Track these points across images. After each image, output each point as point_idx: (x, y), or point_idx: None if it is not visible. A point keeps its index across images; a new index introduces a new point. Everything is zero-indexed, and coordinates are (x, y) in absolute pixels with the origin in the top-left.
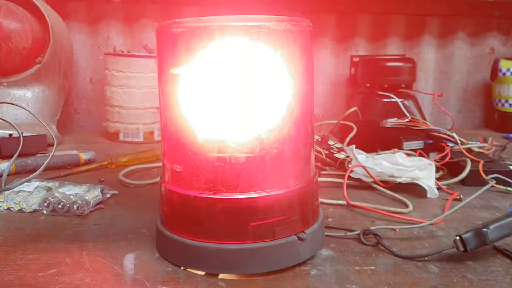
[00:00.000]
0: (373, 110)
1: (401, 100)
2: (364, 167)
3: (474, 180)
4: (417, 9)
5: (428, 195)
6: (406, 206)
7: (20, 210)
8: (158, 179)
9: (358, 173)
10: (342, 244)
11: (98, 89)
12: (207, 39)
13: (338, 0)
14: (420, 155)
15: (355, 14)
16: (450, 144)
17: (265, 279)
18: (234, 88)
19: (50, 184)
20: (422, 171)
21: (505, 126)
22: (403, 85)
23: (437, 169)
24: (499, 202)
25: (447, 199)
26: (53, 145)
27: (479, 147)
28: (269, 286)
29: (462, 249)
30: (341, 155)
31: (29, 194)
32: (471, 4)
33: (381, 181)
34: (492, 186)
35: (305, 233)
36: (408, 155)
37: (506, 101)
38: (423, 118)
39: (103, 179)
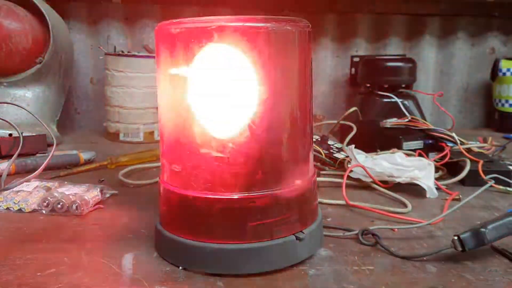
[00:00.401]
0: (373, 110)
1: (401, 100)
2: (363, 167)
3: (474, 180)
4: (417, 9)
5: (427, 195)
6: (405, 206)
7: (20, 210)
8: (157, 179)
9: (357, 173)
10: (341, 244)
11: (98, 89)
12: (206, 40)
13: (339, 0)
14: (420, 155)
15: (355, 14)
16: (450, 144)
17: (264, 279)
18: (233, 89)
19: (49, 184)
20: (421, 171)
21: (505, 126)
22: (403, 85)
23: (437, 169)
24: (498, 202)
25: (446, 199)
26: (53, 145)
27: (479, 147)
28: (267, 286)
29: (460, 249)
30: (340, 155)
31: (29, 194)
32: (472, 4)
33: (381, 181)
34: (491, 186)
35: (304, 233)
36: (407, 155)
37: (506, 101)
38: (423, 118)
39: (102, 179)
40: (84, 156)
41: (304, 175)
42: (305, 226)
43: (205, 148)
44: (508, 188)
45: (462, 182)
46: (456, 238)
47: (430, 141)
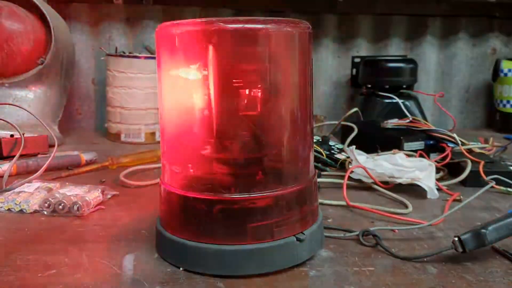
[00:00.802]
0: (374, 111)
1: (402, 100)
2: (364, 168)
3: (475, 181)
4: (418, 10)
5: (428, 196)
6: (406, 207)
7: (21, 210)
8: (158, 180)
9: (358, 173)
10: (341, 245)
11: (100, 90)
12: (206, 41)
13: (340, 0)
14: (421, 155)
15: (356, 14)
16: (451, 145)
17: (264, 280)
18: (233, 89)
19: (51, 185)
20: (422, 172)
21: (507, 126)
22: (404, 86)
23: (437, 170)
24: (499, 203)
25: (447, 200)
26: (54, 145)
27: (480, 148)
28: (267, 287)
29: (460, 250)
30: (341, 156)
31: (30, 195)
32: (473, 5)
33: (381, 182)
34: (492, 187)
35: (304, 234)
36: (408, 155)
37: (508, 102)
38: (425, 119)
39: (104, 179)
40: (85, 157)
41: (305, 175)
42: (305, 227)
43: (205, 149)
44: (509, 189)
45: (463, 183)
46: (456, 239)
47: (431, 142)
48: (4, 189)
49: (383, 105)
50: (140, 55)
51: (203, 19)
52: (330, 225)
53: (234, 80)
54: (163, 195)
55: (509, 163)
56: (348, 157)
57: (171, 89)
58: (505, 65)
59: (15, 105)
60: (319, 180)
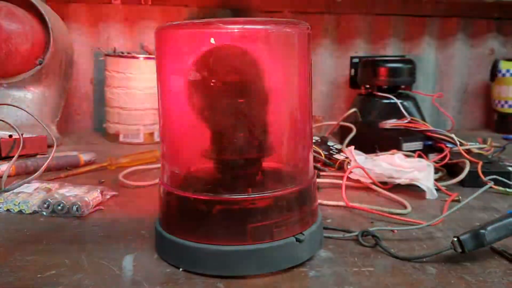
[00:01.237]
0: (372, 111)
1: (400, 101)
2: (363, 168)
3: (473, 181)
4: (417, 10)
5: (427, 196)
6: (405, 207)
7: (20, 211)
8: (157, 180)
9: (357, 174)
10: (341, 245)
11: (98, 90)
12: (206, 42)
13: (338, 1)
14: (419, 156)
15: (355, 15)
16: (449, 145)
17: (263, 281)
18: (233, 90)
19: (50, 186)
20: (421, 172)
21: (505, 127)
22: (402, 86)
23: (436, 170)
24: (497, 203)
25: (446, 200)
26: (53, 146)
27: (478, 148)
28: None
29: (459, 250)
30: (340, 156)
31: (29, 195)
32: (471, 5)
33: (380, 182)
34: (491, 187)
35: (304, 234)
36: (407, 156)
37: (506, 102)
38: (423, 119)
39: (103, 180)
40: (84, 157)
41: (304, 176)
42: (305, 227)
43: (205, 150)
44: (508, 189)
45: (461, 183)
46: (455, 239)
47: (430, 142)
48: (3, 190)
49: (382, 106)
50: (138, 55)
51: (202, 20)
52: (329, 226)
53: (233, 81)
54: (162, 196)
55: (507, 163)
56: (346, 158)
57: (169, 90)
58: (503, 66)
59: (13, 106)
60: (317, 180)
